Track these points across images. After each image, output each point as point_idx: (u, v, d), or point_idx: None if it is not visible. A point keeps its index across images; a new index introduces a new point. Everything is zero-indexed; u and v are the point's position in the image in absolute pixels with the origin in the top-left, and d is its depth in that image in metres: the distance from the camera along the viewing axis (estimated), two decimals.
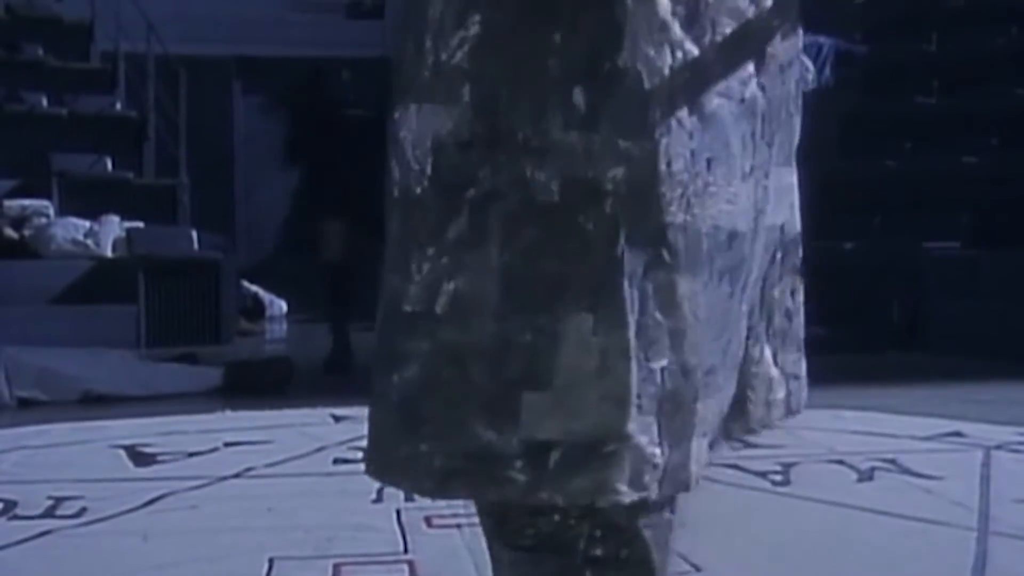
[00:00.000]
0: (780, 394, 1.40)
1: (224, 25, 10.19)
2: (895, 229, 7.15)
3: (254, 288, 9.09)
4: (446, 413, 1.13)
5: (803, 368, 1.44)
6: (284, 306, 9.29)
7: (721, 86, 1.20)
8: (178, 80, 8.82)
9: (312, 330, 6.88)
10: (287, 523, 2.62)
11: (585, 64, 1.11)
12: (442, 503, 2.71)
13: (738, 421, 1.35)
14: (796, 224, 1.38)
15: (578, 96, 1.11)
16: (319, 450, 3.53)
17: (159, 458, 3.45)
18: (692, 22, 1.16)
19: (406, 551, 2.39)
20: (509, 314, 1.11)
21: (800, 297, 1.42)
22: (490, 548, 1.27)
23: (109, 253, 7.17)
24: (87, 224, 7.26)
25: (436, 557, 2.33)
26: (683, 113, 1.16)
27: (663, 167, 1.13)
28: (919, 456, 3.33)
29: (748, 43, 1.23)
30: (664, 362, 1.14)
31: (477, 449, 1.12)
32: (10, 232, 7.09)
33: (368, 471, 1.23)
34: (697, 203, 1.17)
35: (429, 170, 1.14)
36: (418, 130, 1.15)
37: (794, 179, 1.37)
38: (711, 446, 1.26)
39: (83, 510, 2.77)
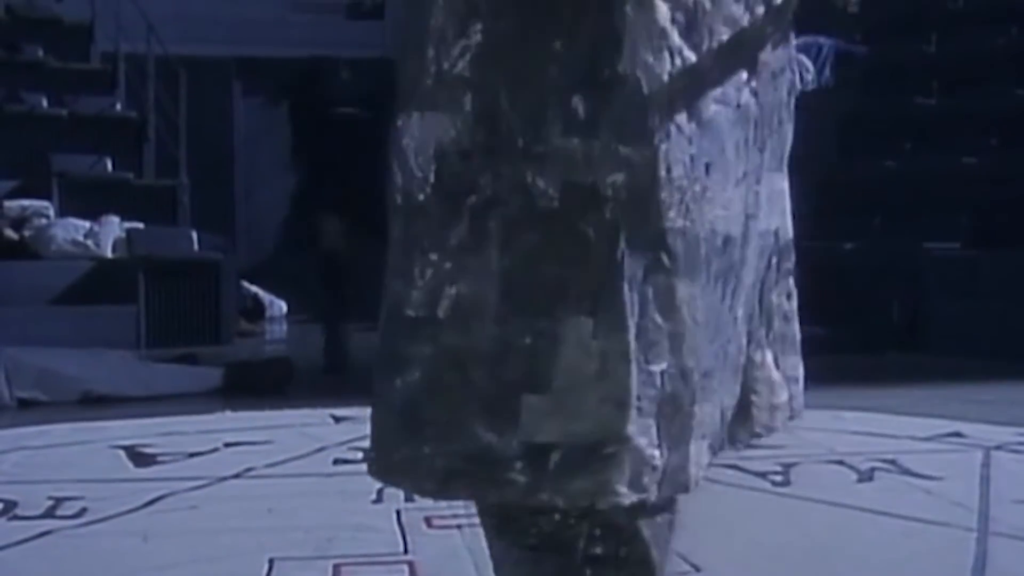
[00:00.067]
0: (783, 397, 1.42)
1: (224, 26, 10.19)
2: (895, 229, 7.15)
3: (254, 289, 9.10)
4: (447, 415, 1.14)
5: (801, 371, 1.45)
6: (284, 307, 9.29)
7: (718, 92, 1.22)
8: (178, 80, 8.82)
9: (312, 330, 6.87)
10: (287, 523, 2.62)
11: (585, 71, 1.13)
12: (442, 504, 2.71)
13: (744, 425, 1.36)
14: (788, 229, 1.39)
15: (578, 103, 1.13)
16: (319, 450, 3.53)
17: (159, 458, 3.46)
18: (691, 29, 1.18)
19: (406, 551, 2.39)
20: (509, 318, 1.12)
21: (795, 301, 1.44)
22: (491, 548, 1.28)
23: (109, 254, 7.17)
24: (87, 225, 7.26)
25: (436, 557, 2.33)
26: (682, 119, 1.17)
27: (663, 173, 1.15)
28: (919, 456, 3.33)
29: (743, 50, 1.25)
30: (664, 365, 1.15)
31: (478, 451, 1.13)
32: (10, 233, 7.09)
33: (371, 472, 1.25)
34: (695, 208, 1.18)
35: (432, 177, 1.16)
36: (421, 138, 1.17)
37: (786, 185, 1.39)
38: (711, 449, 1.26)
39: (83, 510, 2.77)
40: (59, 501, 2.86)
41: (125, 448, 3.59)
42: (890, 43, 8.63)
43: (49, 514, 2.75)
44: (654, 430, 1.15)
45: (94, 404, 4.65)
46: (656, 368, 1.15)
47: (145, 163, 8.85)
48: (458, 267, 1.14)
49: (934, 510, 2.68)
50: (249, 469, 3.25)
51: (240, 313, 8.18)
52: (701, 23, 1.19)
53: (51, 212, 7.48)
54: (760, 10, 1.27)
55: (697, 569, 2.15)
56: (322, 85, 6.44)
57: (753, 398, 1.35)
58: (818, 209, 7.19)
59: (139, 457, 3.48)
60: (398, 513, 2.66)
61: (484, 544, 2.41)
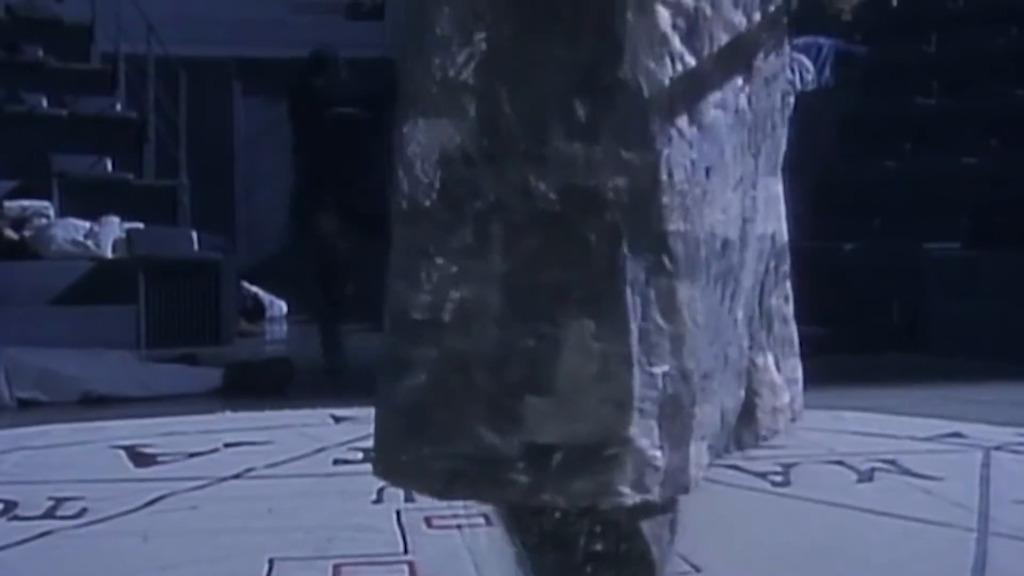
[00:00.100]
0: (785, 400, 1.42)
1: (224, 26, 10.19)
2: (895, 230, 7.15)
3: (254, 289, 9.10)
4: (452, 418, 1.16)
5: (800, 373, 1.46)
6: (284, 307, 9.30)
7: (717, 97, 1.23)
8: (178, 81, 8.83)
9: (312, 331, 6.88)
10: (287, 524, 2.62)
11: (586, 77, 1.15)
12: (442, 504, 2.71)
13: (748, 428, 1.36)
14: (784, 233, 1.41)
15: (580, 108, 1.14)
16: (319, 451, 3.53)
17: (159, 459, 3.46)
18: (691, 35, 1.19)
19: (406, 552, 2.39)
20: (512, 321, 1.14)
21: (791, 304, 1.44)
22: (508, 540, 1.31)
23: (109, 254, 7.17)
24: (87, 225, 7.26)
25: (436, 558, 2.33)
26: (683, 123, 1.18)
27: (664, 177, 1.16)
28: (919, 457, 3.33)
29: (741, 56, 1.26)
30: (665, 367, 1.17)
31: (481, 452, 1.14)
32: (10, 233, 7.09)
33: (376, 472, 1.26)
34: (696, 211, 1.19)
35: (437, 183, 1.17)
36: (426, 144, 1.18)
37: (780, 189, 1.39)
38: (712, 450, 1.27)
39: (83, 511, 2.77)
40: (59, 501, 2.86)
41: (125, 448, 3.59)
42: (890, 43, 8.63)
43: (49, 514, 2.75)
44: (656, 431, 1.16)
45: (94, 404, 4.65)
46: (658, 370, 1.16)
47: (145, 163, 8.86)
48: (462, 271, 1.16)
49: (934, 510, 2.68)
50: (249, 469, 3.26)
51: (240, 313, 8.18)
52: (702, 29, 1.21)
53: (51, 212, 7.48)
54: (757, 16, 1.28)
55: (697, 569, 2.15)
56: (324, 75, 6.45)
57: (756, 401, 1.36)
58: (818, 209, 7.20)
59: (139, 457, 3.48)
60: (398, 513, 2.67)
61: (483, 544, 2.42)
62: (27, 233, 7.15)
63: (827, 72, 8.45)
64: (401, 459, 1.20)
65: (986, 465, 3.18)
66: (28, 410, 4.54)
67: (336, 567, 2.27)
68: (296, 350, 6.58)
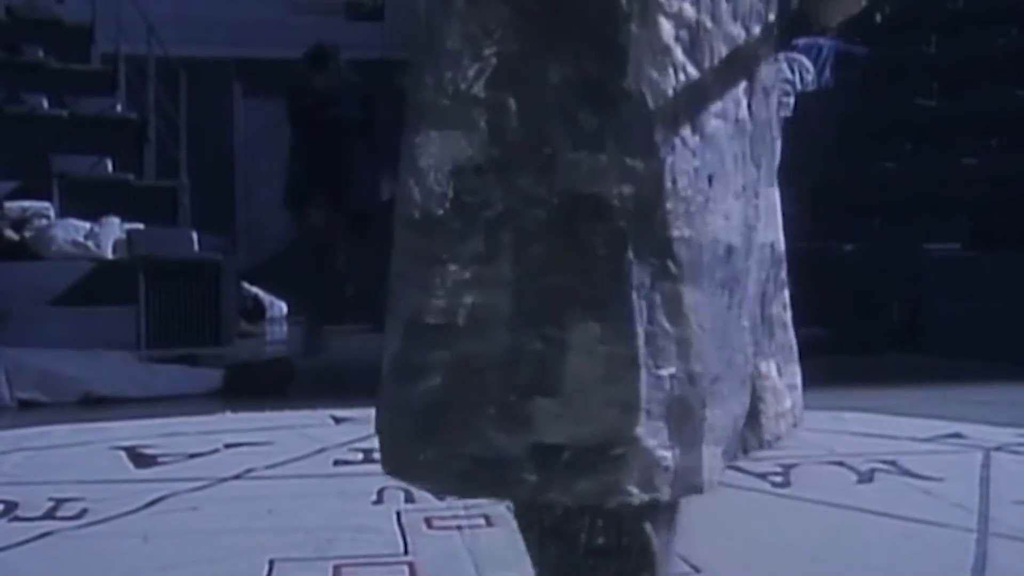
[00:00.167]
0: (787, 404, 1.45)
1: (224, 27, 10.20)
2: (895, 230, 7.15)
3: (254, 289, 9.10)
4: (464, 419, 1.19)
5: (799, 379, 1.48)
6: (284, 307, 9.30)
7: (718, 107, 1.26)
8: (178, 82, 8.83)
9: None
10: (287, 524, 2.62)
11: (591, 88, 1.19)
12: (442, 504, 2.73)
13: (754, 433, 1.39)
14: (781, 242, 1.43)
15: (585, 118, 1.18)
16: (319, 451, 3.53)
17: (160, 459, 3.46)
18: (693, 46, 1.23)
19: (406, 552, 2.39)
20: (520, 325, 1.18)
21: (790, 311, 1.47)
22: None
23: (109, 254, 7.17)
24: (87, 225, 7.26)
25: (436, 558, 2.34)
26: (686, 132, 1.22)
27: (668, 184, 1.19)
28: (919, 457, 3.33)
29: (740, 67, 1.30)
30: (672, 369, 1.19)
31: (492, 452, 1.18)
32: (11, 233, 7.09)
33: (386, 471, 1.29)
34: (699, 217, 1.22)
35: (450, 192, 1.21)
36: (439, 155, 1.23)
37: (777, 198, 1.42)
38: (726, 455, 1.30)
39: (84, 511, 2.78)
40: (60, 502, 2.86)
41: (126, 449, 3.60)
42: (890, 44, 8.64)
43: (50, 515, 2.76)
44: (664, 432, 1.18)
45: (94, 405, 4.65)
46: (665, 372, 1.19)
47: (145, 164, 8.85)
48: (474, 277, 1.20)
49: (934, 511, 2.68)
50: (249, 470, 3.26)
51: (240, 314, 8.18)
52: (703, 41, 1.24)
53: (51, 213, 7.48)
54: (756, 29, 1.32)
55: (697, 570, 2.15)
56: (324, 73, 6.49)
57: (761, 407, 1.38)
58: (818, 210, 7.22)
59: (140, 458, 3.48)
60: (398, 514, 2.67)
61: (484, 545, 2.42)
62: (27, 234, 7.15)
63: (827, 73, 8.46)
64: (413, 459, 1.24)
65: (986, 466, 3.19)
66: (28, 411, 4.54)
67: (336, 568, 2.28)
68: (296, 351, 6.59)
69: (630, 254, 1.18)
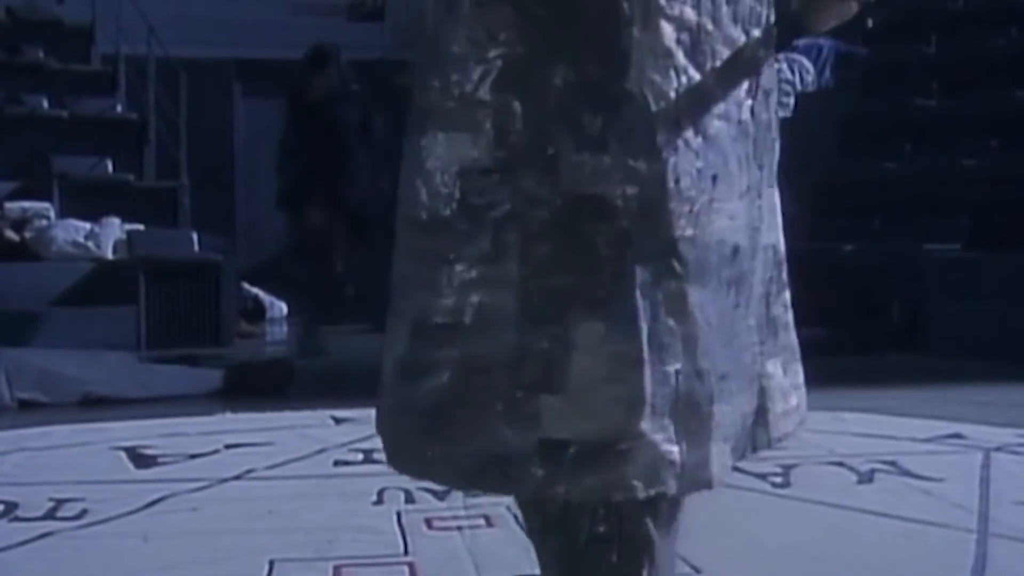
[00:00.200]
0: (793, 403, 1.47)
1: (224, 27, 10.20)
2: (895, 231, 7.15)
3: (255, 290, 9.10)
4: (472, 416, 1.21)
5: (802, 378, 1.49)
6: (284, 308, 9.29)
7: (720, 109, 1.28)
8: (179, 82, 8.83)
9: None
10: (288, 525, 2.62)
11: (594, 90, 1.21)
12: (442, 505, 2.73)
13: (763, 431, 1.40)
14: (782, 243, 1.45)
15: (588, 120, 1.21)
16: (320, 452, 3.53)
17: (160, 460, 3.46)
18: (694, 49, 1.25)
19: (406, 553, 2.40)
20: (526, 324, 1.20)
21: (791, 311, 1.48)
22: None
23: (110, 255, 7.17)
24: (88, 226, 7.26)
25: (436, 559, 2.34)
26: (689, 134, 1.24)
27: (671, 184, 1.22)
28: (919, 458, 3.33)
29: (741, 69, 1.32)
30: (678, 365, 1.21)
31: (499, 448, 1.20)
32: (11, 234, 7.09)
33: (394, 466, 1.31)
34: (704, 217, 1.24)
35: (457, 193, 1.24)
36: (445, 157, 1.26)
37: (778, 200, 1.44)
38: (735, 452, 1.31)
39: (84, 512, 2.78)
40: (60, 502, 2.86)
41: (126, 449, 3.60)
42: (890, 44, 8.64)
43: (50, 515, 2.76)
44: (671, 427, 1.20)
45: (94, 405, 4.65)
46: (670, 368, 1.21)
47: (146, 165, 8.86)
48: (481, 277, 1.22)
49: (934, 511, 2.68)
50: (250, 471, 3.26)
51: (240, 314, 8.18)
52: (704, 43, 1.26)
53: (52, 213, 7.48)
54: (755, 32, 1.34)
55: (697, 570, 2.15)
56: (324, 74, 6.50)
57: (769, 405, 1.40)
58: (818, 210, 7.22)
59: (140, 458, 3.48)
60: (398, 515, 2.67)
61: (484, 546, 2.42)
62: (28, 234, 7.15)
63: (827, 73, 8.47)
64: (421, 454, 1.26)
65: (986, 466, 3.19)
66: (28, 411, 4.54)
67: (336, 568, 2.28)
68: (296, 351, 6.60)
69: (634, 254, 1.20)
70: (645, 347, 1.19)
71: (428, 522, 2.61)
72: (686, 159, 1.23)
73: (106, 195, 7.85)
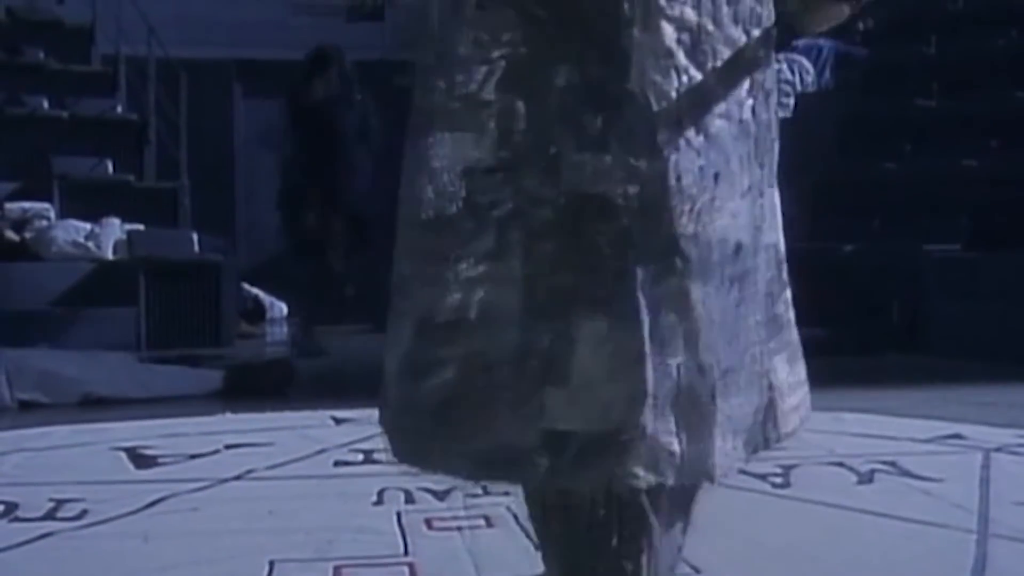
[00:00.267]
0: (797, 399, 1.48)
1: (225, 28, 10.20)
2: (895, 231, 7.15)
3: (255, 290, 9.09)
4: (478, 410, 1.24)
5: (804, 375, 1.51)
6: (285, 308, 9.29)
7: (722, 108, 1.30)
8: (179, 83, 8.83)
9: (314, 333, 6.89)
10: (288, 525, 2.62)
11: (596, 90, 1.24)
12: (443, 505, 2.73)
13: (775, 427, 1.42)
14: (782, 242, 1.47)
15: (590, 120, 1.23)
16: (320, 452, 3.53)
17: (160, 460, 3.46)
18: (695, 49, 1.28)
19: (406, 553, 2.40)
20: (530, 321, 1.23)
21: (792, 309, 1.50)
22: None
23: (110, 255, 7.17)
24: (88, 226, 7.25)
25: (436, 559, 2.34)
26: (690, 133, 1.26)
27: (673, 182, 1.24)
28: (919, 458, 3.33)
29: (742, 69, 1.34)
30: (680, 359, 1.24)
31: (504, 440, 1.23)
32: (11, 234, 7.09)
33: (400, 459, 1.34)
34: (706, 215, 1.27)
35: (462, 192, 1.27)
36: (451, 156, 1.29)
37: (777, 199, 1.45)
38: (748, 446, 1.33)
39: (84, 512, 2.78)
40: (60, 503, 2.86)
41: (126, 450, 3.60)
42: (890, 45, 8.64)
43: (50, 516, 2.76)
44: (671, 420, 1.23)
45: (95, 406, 4.65)
46: (672, 361, 1.23)
47: (146, 165, 8.85)
48: (486, 274, 1.25)
49: (934, 512, 2.68)
50: (250, 471, 3.26)
51: (241, 315, 8.18)
52: (704, 43, 1.28)
53: (52, 214, 7.48)
54: (756, 32, 1.36)
55: (697, 570, 2.15)
56: (324, 77, 6.51)
57: (778, 401, 1.42)
58: (818, 210, 7.22)
59: (140, 459, 3.48)
60: (398, 515, 2.67)
61: (484, 546, 2.42)
62: (28, 235, 7.15)
63: (827, 74, 8.47)
64: (428, 448, 1.29)
65: (986, 467, 3.19)
66: (29, 411, 4.54)
67: (336, 568, 2.28)
68: (291, 352, 6.60)
69: (635, 252, 1.22)
70: (647, 342, 1.21)
71: (428, 522, 2.61)
72: (687, 157, 1.25)
73: (106, 195, 7.85)
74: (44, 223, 7.29)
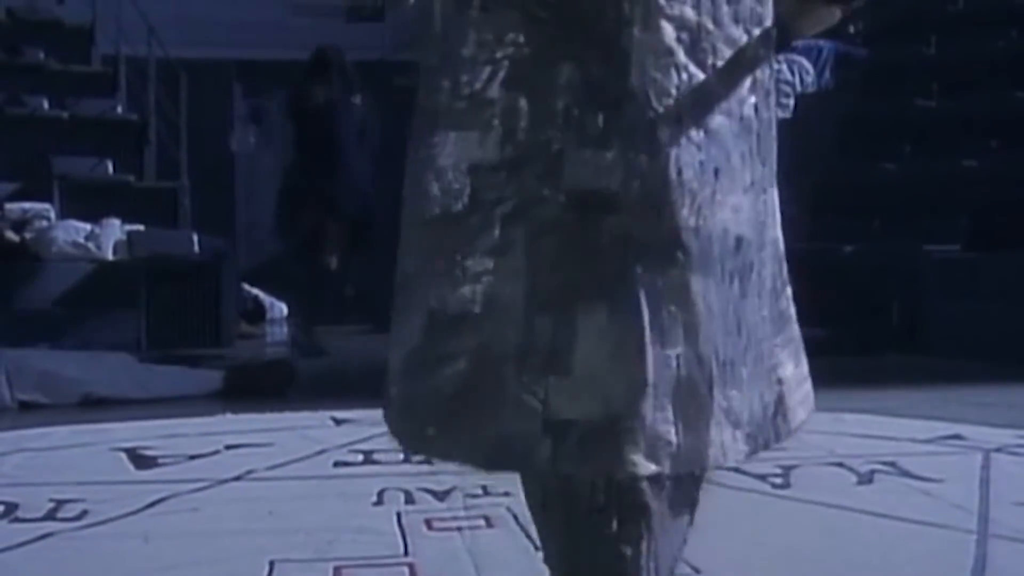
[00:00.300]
0: (803, 393, 1.50)
1: (224, 28, 10.20)
2: (895, 231, 7.15)
3: (255, 291, 9.09)
4: (487, 401, 1.27)
5: (807, 371, 1.52)
6: (285, 309, 9.29)
7: (722, 105, 1.33)
8: (179, 83, 8.83)
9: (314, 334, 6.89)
10: (288, 526, 2.62)
11: (597, 89, 1.26)
12: (442, 505, 2.73)
13: (784, 421, 1.44)
14: (781, 240, 1.49)
15: (591, 118, 1.26)
16: (320, 453, 3.53)
17: (160, 461, 3.46)
18: (695, 48, 1.30)
19: (406, 553, 2.40)
20: (534, 313, 1.26)
21: (793, 306, 1.51)
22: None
23: (110, 256, 7.17)
24: (88, 227, 7.26)
25: (436, 559, 2.34)
26: (691, 129, 1.29)
27: (673, 176, 1.26)
28: (919, 459, 3.33)
29: (742, 67, 1.36)
30: (679, 350, 1.26)
31: (510, 429, 1.26)
32: (11, 235, 7.09)
33: (409, 448, 1.39)
34: (707, 209, 1.29)
35: (468, 189, 1.31)
36: (456, 154, 1.32)
37: (776, 199, 1.47)
38: (751, 439, 1.34)
39: (84, 513, 2.78)
40: (60, 503, 2.86)
41: (126, 450, 3.60)
42: (890, 45, 8.64)
43: (50, 516, 2.76)
44: (669, 409, 1.25)
45: (95, 406, 4.65)
46: (671, 352, 1.26)
47: (146, 165, 8.86)
48: (491, 269, 1.29)
49: (934, 512, 2.68)
50: (250, 471, 3.26)
51: (241, 315, 8.17)
52: (704, 42, 1.31)
53: (52, 214, 7.48)
54: (756, 31, 1.38)
55: (697, 571, 2.15)
56: (324, 80, 6.51)
57: (786, 395, 1.43)
58: (818, 210, 7.21)
59: (140, 459, 3.48)
60: (398, 515, 2.67)
61: (484, 546, 2.42)
62: (28, 235, 7.15)
63: (827, 74, 8.46)
64: (442, 440, 1.32)
65: (986, 467, 3.19)
66: (29, 412, 4.54)
67: (337, 569, 2.28)
68: (295, 352, 6.60)
69: (636, 245, 1.24)
70: (647, 334, 1.24)
71: (428, 523, 2.61)
72: (688, 152, 1.27)
73: (106, 196, 7.86)
74: (44, 223, 7.29)
